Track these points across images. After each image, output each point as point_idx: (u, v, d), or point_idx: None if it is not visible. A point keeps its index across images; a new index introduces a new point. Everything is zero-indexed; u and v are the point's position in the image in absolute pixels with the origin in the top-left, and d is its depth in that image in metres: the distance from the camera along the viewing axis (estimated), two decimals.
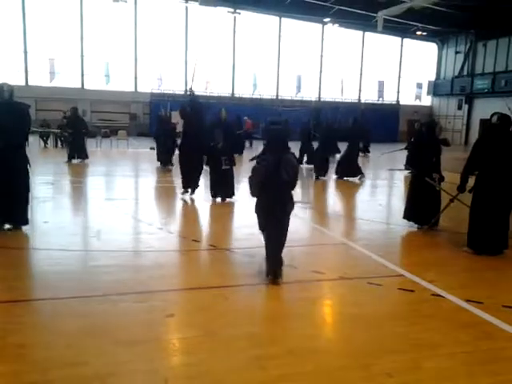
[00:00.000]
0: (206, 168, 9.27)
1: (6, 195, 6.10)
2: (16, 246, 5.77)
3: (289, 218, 4.78)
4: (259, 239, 5.70)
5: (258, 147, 18.90)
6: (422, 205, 6.99)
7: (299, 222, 7.66)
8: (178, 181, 12.40)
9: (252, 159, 5.11)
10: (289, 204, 4.72)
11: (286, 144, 4.65)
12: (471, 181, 6.07)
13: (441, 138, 7.64)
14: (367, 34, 35.82)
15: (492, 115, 5.98)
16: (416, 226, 7.15)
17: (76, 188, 10.73)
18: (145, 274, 4.87)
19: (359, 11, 30.52)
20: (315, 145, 14.46)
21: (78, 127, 15.40)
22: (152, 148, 19.13)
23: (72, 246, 5.76)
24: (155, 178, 13.00)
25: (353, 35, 35.78)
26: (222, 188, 8.89)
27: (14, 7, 28.87)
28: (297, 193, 5.20)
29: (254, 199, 4.85)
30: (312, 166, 14.11)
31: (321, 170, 12.98)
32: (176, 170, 14.84)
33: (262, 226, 4.82)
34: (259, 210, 4.77)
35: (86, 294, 4.33)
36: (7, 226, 6.31)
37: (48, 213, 7.68)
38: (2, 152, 5.98)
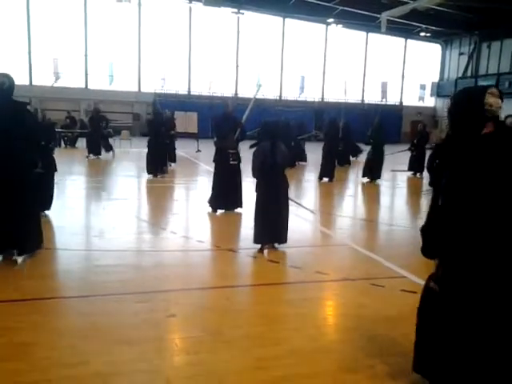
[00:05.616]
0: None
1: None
2: None
3: (287, 196, 5.76)
4: None
5: None
6: None
7: (303, 223, 7.65)
8: (177, 180, 12.44)
9: (251, 146, 6.16)
10: (284, 183, 5.72)
11: (278, 134, 5.84)
12: None
13: None
14: (371, 34, 35.75)
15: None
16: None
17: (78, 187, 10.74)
18: (147, 274, 4.87)
19: (363, 12, 30.48)
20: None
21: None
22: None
23: (74, 246, 5.77)
24: (157, 178, 12.97)
25: (356, 36, 35.74)
26: (230, 195, 7.84)
27: (19, 7, 28.97)
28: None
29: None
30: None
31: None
32: (173, 169, 14.93)
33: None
34: (259, 189, 5.73)
35: (88, 293, 4.33)
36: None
37: (49, 212, 7.65)
38: None
